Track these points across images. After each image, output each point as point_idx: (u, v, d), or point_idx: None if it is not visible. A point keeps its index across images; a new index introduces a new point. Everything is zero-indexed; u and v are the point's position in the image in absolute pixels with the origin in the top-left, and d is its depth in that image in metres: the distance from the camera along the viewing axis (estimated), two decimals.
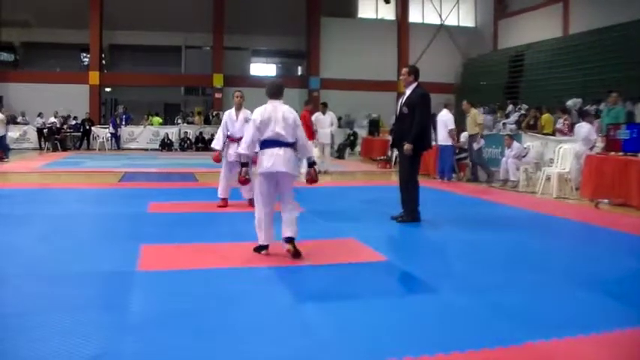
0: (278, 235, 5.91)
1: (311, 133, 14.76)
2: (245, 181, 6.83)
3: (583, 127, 12.30)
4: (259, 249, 6.03)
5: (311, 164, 6.28)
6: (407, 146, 7.84)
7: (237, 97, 9.22)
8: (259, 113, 5.96)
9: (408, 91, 8.07)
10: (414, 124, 7.84)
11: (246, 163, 6.64)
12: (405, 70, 8.21)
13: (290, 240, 5.89)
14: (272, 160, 5.80)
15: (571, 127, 14.59)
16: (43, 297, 4.52)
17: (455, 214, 8.61)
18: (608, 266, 5.89)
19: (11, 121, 24.08)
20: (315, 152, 14.43)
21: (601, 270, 5.70)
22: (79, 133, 26.32)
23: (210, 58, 31.21)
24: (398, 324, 4.05)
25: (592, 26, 24.14)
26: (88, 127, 26.18)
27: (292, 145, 5.92)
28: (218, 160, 9.25)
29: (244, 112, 8.86)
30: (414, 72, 8.11)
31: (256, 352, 3.54)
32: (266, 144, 5.89)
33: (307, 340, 3.73)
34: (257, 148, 5.99)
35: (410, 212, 8.05)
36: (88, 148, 25.86)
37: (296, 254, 5.84)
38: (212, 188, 9.23)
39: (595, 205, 9.90)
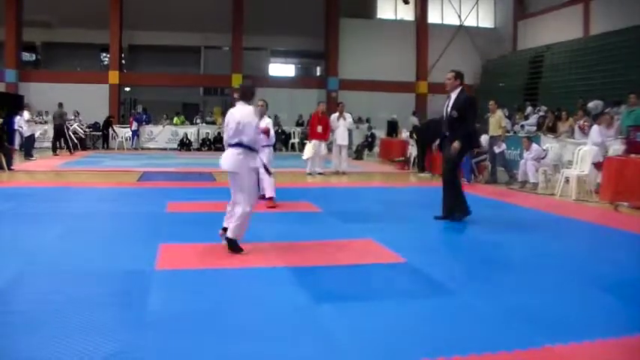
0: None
1: (315, 133, 15.08)
2: None
3: (593, 130, 12.47)
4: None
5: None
6: (456, 144, 8.03)
7: (260, 105, 9.19)
8: (225, 118, 6.40)
9: (453, 95, 8.24)
10: (464, 126, 8.10)
11: None
12: (450, 74, 8.34)
13: (225, 230, 6.31)
14: (223, 159, 6.32)
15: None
16: (61, 294, 4.57)
17: (474, 215, 8.57)
18: (628, 270, 5.84)
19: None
20: (308, 152, 14.81)
21: (621, 274, 5.64)
22: (99, 133, 26.63)
23: (229, 58, 31.27)
24: (415, 326, 4.05)
25: (613, 27, 23.89)
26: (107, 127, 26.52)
27: (241, 145, 6.18)
28: None
29: (264, 120, 9.04)
30: (460, 76, 8.31)
31: (273, 352, 3.55)
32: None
33: (323, 341, 3.74)
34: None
35: (458, 209, 8.26)
36: (107, 148, 26.07)
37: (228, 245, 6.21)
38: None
39: (615, 208, 9.81)
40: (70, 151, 22.18)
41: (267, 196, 9.57)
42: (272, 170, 7.52)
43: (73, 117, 25.31)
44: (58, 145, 22.11)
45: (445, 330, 3.97)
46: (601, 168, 11.29)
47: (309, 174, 14.96)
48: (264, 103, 9.41)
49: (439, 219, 8.31)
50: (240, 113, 6.22)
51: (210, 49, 33.06)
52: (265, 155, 9.49)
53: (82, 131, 25.19)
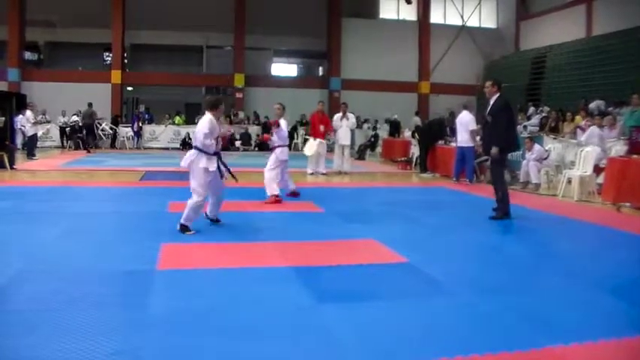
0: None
1: (317, 132, 15.22)
2: None
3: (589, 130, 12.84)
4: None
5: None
6: (493, 150, 8.49)
7: (276, 108, 10.58)
8: None
9: (491, 101, 8.74)
10: (496, 127, 8.54)
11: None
12: (489, 82, 8.93)
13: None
14: None
15: None
16: (62, 294, 4.57)
17: (476, 216, 8.56)
18: (630, 271, 5.83)
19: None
20: (310, 149, 14.80)
21: (623, 275, 5.63)
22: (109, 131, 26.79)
23: (232, 58, 31.29)
24: (417, 326, 4.04)
25: (615, 28, 23.84)
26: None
27: (196, 148, 7.19)
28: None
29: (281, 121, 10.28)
30: (498, 84, 8.83)
31: (274, 351, 3.55)
32: None
33: (325, 341, 3.74)
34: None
35: (501, 209, 8.59)
36: (113, 147, 26.07)
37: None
38: (231, 188, 9.23)
39: (617, 209, 9.79)
40: (82, 148, 22.83)
41: (268, 193, 9.74)
42: (228, 176, 7.75)
43: (76, 116, 25.30)
44: (83, 144, 23.14)
45: (447, 330, 3.96)
46: (600, 172, 11.31)
47: (311, 174, 14.95)
48: (280, 106, 10.49)
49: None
50: (200, 121, 7.34)
51: (213, 48, 33.04)
52: (276, 154, 9.85)
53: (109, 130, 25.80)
